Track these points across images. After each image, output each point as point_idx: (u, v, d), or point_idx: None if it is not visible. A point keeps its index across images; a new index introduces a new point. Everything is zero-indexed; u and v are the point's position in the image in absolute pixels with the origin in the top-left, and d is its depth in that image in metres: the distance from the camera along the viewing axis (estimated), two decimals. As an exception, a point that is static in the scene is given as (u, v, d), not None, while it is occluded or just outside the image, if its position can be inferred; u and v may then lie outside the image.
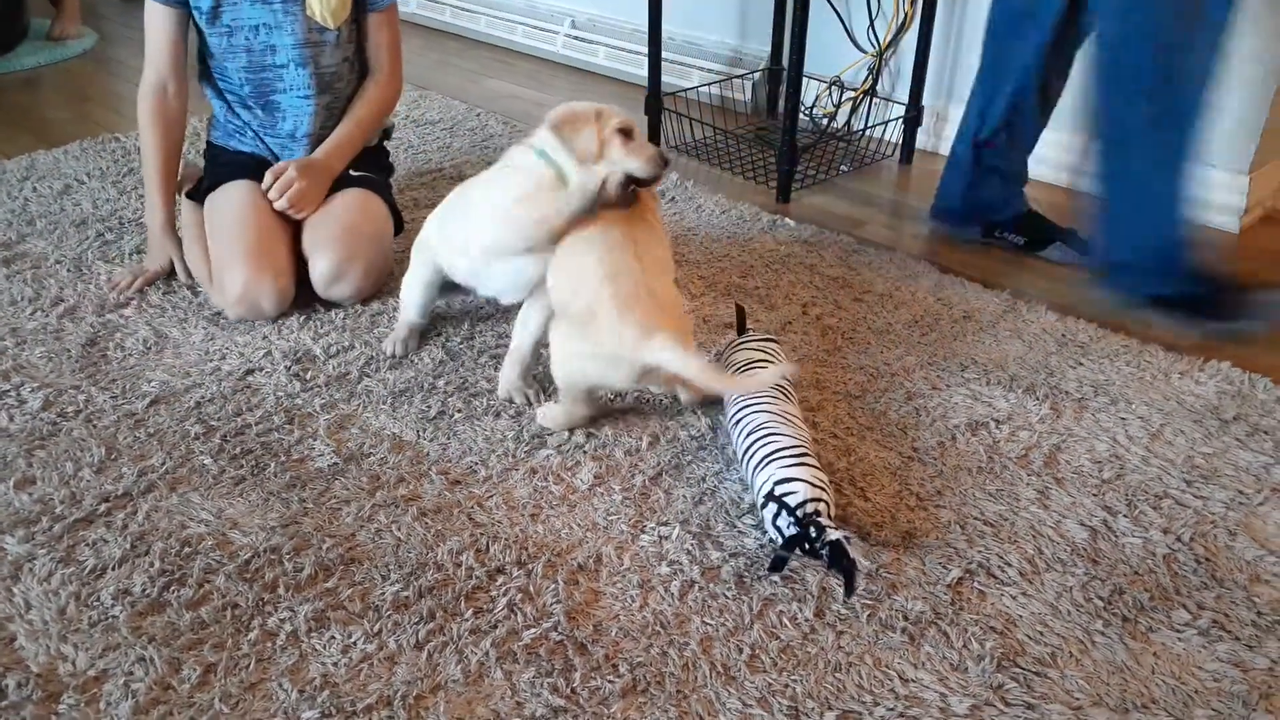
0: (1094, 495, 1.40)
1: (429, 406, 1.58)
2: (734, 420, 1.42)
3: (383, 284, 1.90)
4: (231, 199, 1.86)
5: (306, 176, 1.84)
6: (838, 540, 1.20)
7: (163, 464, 1.44)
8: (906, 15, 2.53)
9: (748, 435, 1.36)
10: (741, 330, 1.61)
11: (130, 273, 1.91)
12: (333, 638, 1.17)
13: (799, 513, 1.23)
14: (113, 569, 1.26)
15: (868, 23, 2.58)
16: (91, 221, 2.15)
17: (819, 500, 1.25)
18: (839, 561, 1.20)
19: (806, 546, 1.23)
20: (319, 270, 1.81)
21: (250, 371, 1.66)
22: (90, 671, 1.12)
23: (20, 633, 1.17)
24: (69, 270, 1.95)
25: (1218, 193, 2.19)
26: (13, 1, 3.23)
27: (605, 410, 1.56)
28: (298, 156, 1.91)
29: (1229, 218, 2.19)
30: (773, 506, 1.25)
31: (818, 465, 1.30)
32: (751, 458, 1.33)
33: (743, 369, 1.49)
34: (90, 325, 1.78)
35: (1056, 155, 2.48)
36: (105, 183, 2.33)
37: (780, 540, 1.25)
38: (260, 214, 1.83)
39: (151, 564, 1.26)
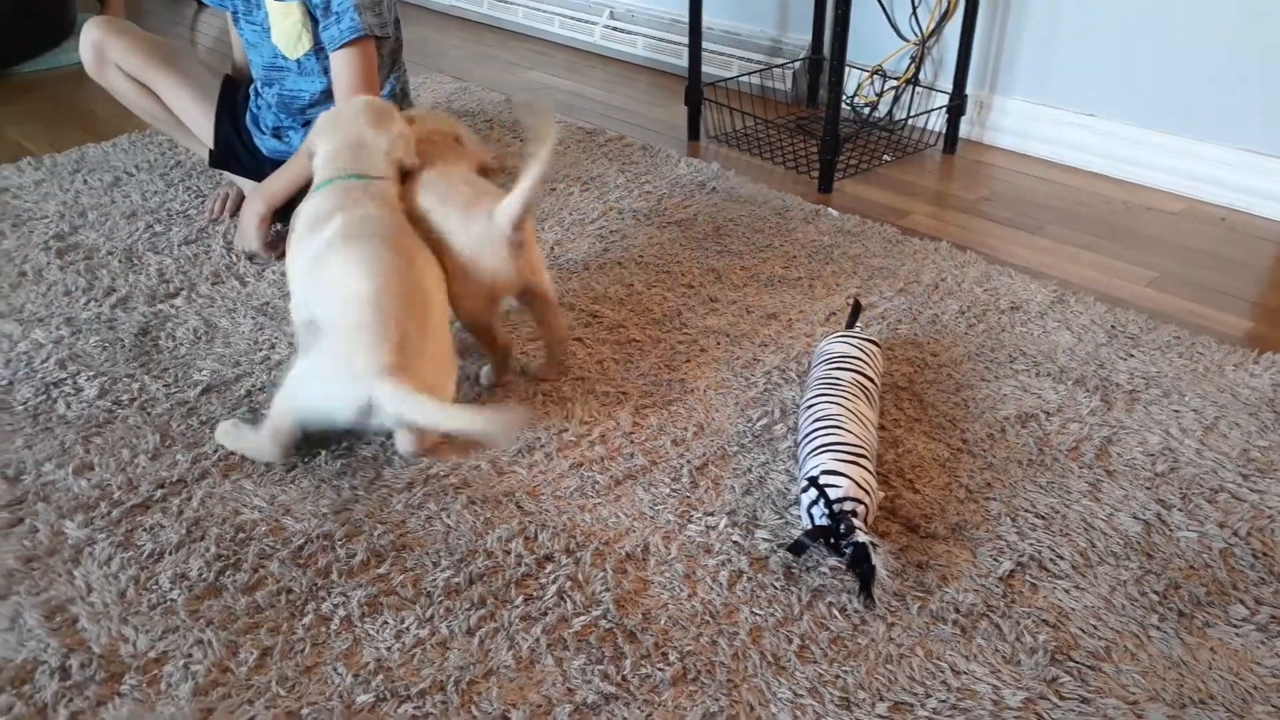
0: (1147, 488, 1.38)
1: (475, 395, 1.59)
2: (807, 404, 1.42)
3: None
4: None
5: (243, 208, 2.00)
6: (863, 543, 1.19)
7: (215, 451, 1.46)
8: (950, 2, 2.50)
9: (815, 420, 1.36)
10: (851, 325, 1.62)
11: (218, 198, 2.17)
12: (386, 623, 1.18)
13: (834, 506, 1.22)
14: (170, 553, 1.28)
15: (910, 10, 2.56)
16: (141, 213, 2.18)
17: (859, 503, 1.24)
18: (860, 564, 1.20)
19: (831, 540, 1.23)
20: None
21: (299, 361, 1.68)
22: (151, 653, 1.14)
23: (82, 615, 1.19)
24: (120, 261, 1.99)
25: (1275, 182, 2.15)
26: (60, -3, 3.29)
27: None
28: (264, 145, 2.10)
29: (1283, 207, 2.15)
30: (813, 492, 1.25)
31: (871, 471, 1.29)
32: (811, 441, 1.33)
33: (831, 361, 1.48)
34: (142, 315, 1.81)
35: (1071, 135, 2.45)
36: (153, 175, 2.37)
37: (809, 526, 1.25)
38: None
39: (207, 549, 1.29)
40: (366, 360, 1.29)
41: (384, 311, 1.32)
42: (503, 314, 1.58)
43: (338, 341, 1.32)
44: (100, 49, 2.05)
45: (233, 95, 2.13)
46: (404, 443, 1.43)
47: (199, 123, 2.11)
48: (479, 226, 1.44)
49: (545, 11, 3.47)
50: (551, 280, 1.57)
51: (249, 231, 1.95)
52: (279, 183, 1.94)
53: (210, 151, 2.14)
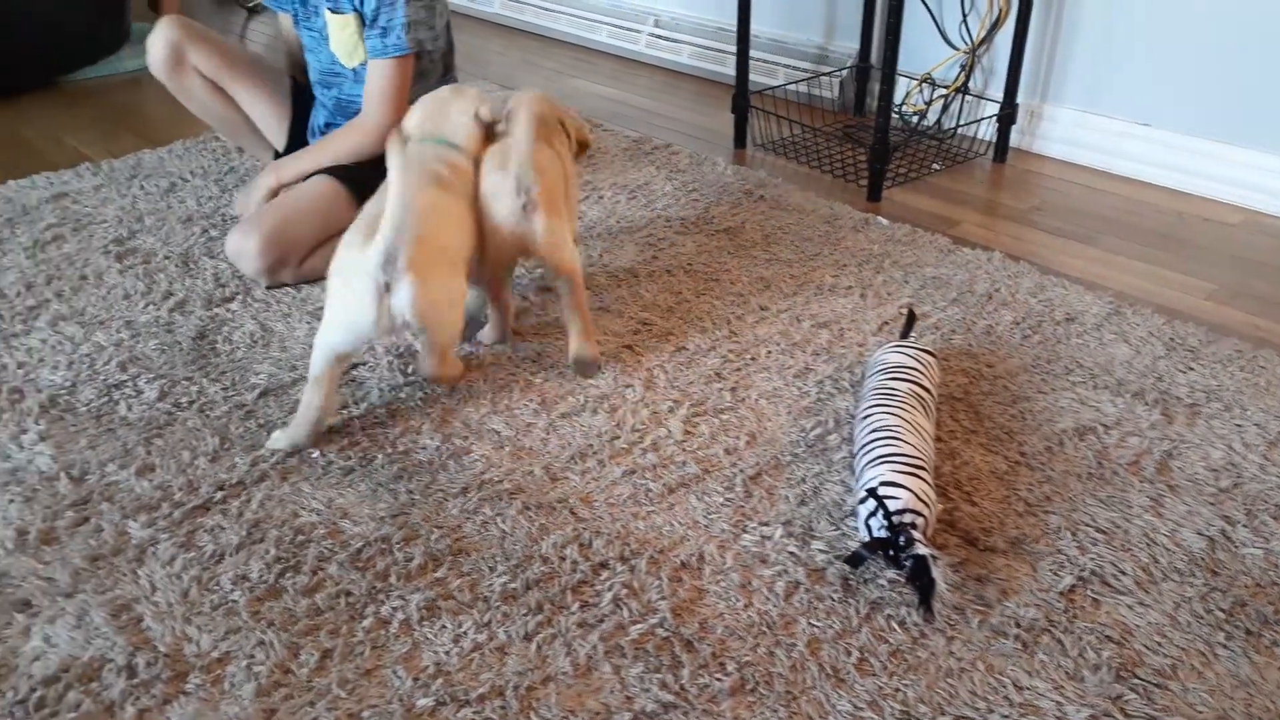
0: (1211, 504, 1.36)
1: (529, 401, 1.60)
2: (864, 414, 1.41)
3: (295, 262, 1.91)
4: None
5: (258, 177, 2.01)
6: (923, 556, 1.18)
7: (273, 454, 1.48)
8: (1001, 10, 2.48)
9: (873, 431, 1.35)
10: (905, 335, 1.61)
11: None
12: (444, 627, 1.19)
13: (894, 518, 1.22)
14: (230, 555, 1.30)
15: (960, 18, 2.54)
16: (196, 218, 2.22)
17: (919, 515, 1.23)
18: (919, 577, 1.19)
19: (891, 553, 1.22)
20: (224, 246, 1.94)
21: (354, 365, 1.69)
22: (214, 653, 1.16)
23: (147, 614, 1.21)
24: (177, 265, 2.02)
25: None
26: (115, 6, 3.35)
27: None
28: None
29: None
30: (871, 503, 1.24)
31: (930, 482, 1.28)
32: (869, 452, 1.32)
33: (886, 371, 1.48)
34: (199, 319, 1.84)
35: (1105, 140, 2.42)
36: (208, 181, 2.41)
37: (867, 538, 1.24)
38: (294, 192, 1.94)
39: (267, 551, 1.30)
40: (385, 249, 1.38)
41: (404, 223, 1.40)
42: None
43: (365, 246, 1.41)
44: (179, 50, 2.07)
45: (302, 98, 2.17)
46: (425, 365, 1.49)
47: (272, 125, 2.15)
48: (496, 179, 1.59)
49: (590, 20, 3.48)
50: (575, 260, 1.63)
51: (251, 197, 1.99)
52: (296, 165, 1.98)
53: (276, 152, 2.18)
